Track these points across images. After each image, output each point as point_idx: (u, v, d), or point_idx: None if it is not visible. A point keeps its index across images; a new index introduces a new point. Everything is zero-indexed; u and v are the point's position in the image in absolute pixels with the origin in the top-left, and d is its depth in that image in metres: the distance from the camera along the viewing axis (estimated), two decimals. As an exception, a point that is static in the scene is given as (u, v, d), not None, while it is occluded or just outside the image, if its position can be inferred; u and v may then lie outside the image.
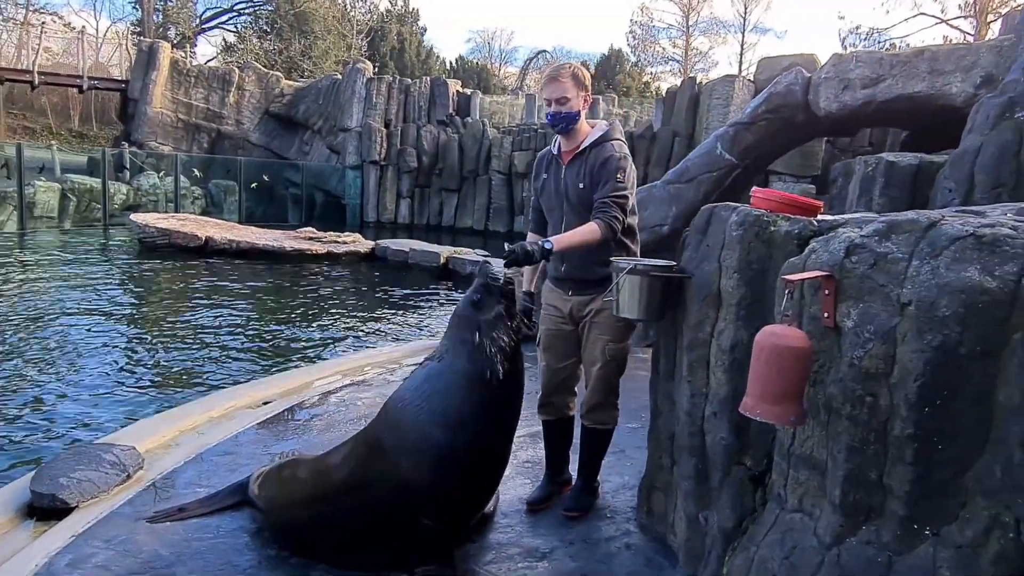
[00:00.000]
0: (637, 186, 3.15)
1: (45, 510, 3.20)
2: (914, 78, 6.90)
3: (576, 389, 3.25)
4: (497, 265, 2.81)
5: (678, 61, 44.64)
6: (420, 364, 2.77)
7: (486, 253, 13.85)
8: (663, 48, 45.14)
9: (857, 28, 33.70)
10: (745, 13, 41.02)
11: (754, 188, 2.33)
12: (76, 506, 3.23)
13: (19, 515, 3.22)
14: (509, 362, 2.56)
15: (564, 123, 3.00)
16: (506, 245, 2.70)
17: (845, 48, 30.96)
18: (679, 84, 18.84)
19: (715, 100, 15.95)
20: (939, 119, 7.35)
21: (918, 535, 1.73)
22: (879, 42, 32.42)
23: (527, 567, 2.73)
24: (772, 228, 2.16)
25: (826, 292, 1.84)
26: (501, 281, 2.67)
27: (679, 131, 17.60)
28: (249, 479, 3.23)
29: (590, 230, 2.83)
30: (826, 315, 1.84)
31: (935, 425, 1.67)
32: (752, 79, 16.52)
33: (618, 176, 2.91)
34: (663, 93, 22.70)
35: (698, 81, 18.63)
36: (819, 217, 2.27)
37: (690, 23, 43.42)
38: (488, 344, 2.52)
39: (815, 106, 6.18)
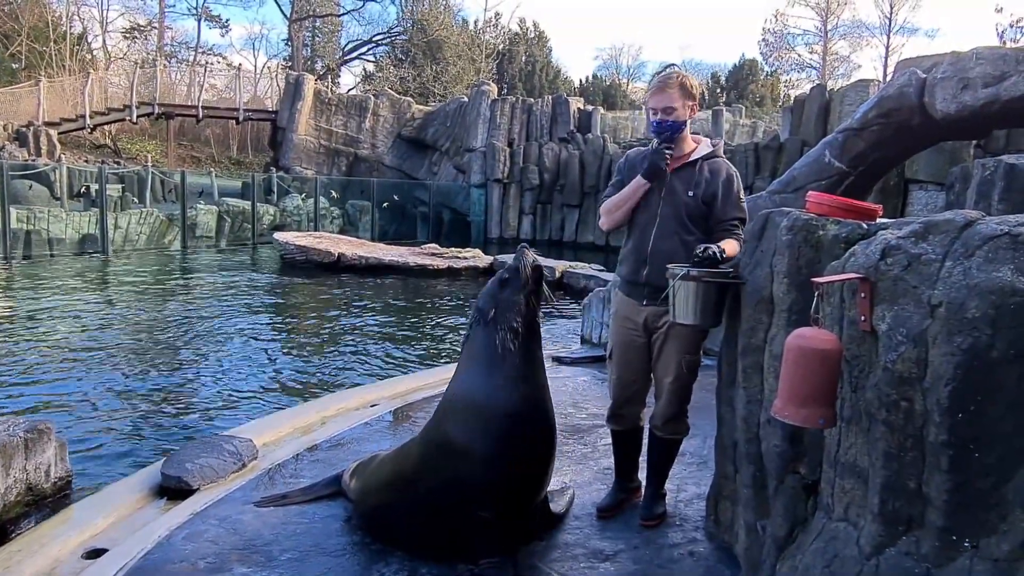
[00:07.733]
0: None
1: (172, 490, 3.62)
2: (1043, 73, 6.19)
3: (646, 399, 3.25)
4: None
5: (815, 68, 42.59)
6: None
7: (601, 267, 13.88)
8: (798, 55, 43.28)
9: (1018, 22, 30.60)
10: (891, 13, 38.56)
11: (809, 192, 2.30)
12: (197, 488, 3.61)
13: (152, 493, 3.67)
14: (524, 339, 2.74)
15: (670, 132, 3.04)
16: (700, 246, 2.69)
17: (1004, 44, 28.29)
18: (808, 92, 18.00)
19: (847, 107, 15.08)
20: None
21: (957, 547, 1.66)
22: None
23: (589, 567, 2.79)
24: (820, 232, 2.13)
25: (862, 295, 1.80)
26: (530, 266, 2.81)
27: (808, 140, 16.80)
28: (344, 471, 3.51)
29: (737, 246, 2.85)
30: (863, 319, 1.81)
31: (970, 432, 1.60)
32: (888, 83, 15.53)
33: (741, 196, 3.06)
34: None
35: (828, 88, 17.70)
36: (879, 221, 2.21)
37: (828, 27, 41.38)
38: (502, 319, 2.71)
39: (931, 108, 5.71)
